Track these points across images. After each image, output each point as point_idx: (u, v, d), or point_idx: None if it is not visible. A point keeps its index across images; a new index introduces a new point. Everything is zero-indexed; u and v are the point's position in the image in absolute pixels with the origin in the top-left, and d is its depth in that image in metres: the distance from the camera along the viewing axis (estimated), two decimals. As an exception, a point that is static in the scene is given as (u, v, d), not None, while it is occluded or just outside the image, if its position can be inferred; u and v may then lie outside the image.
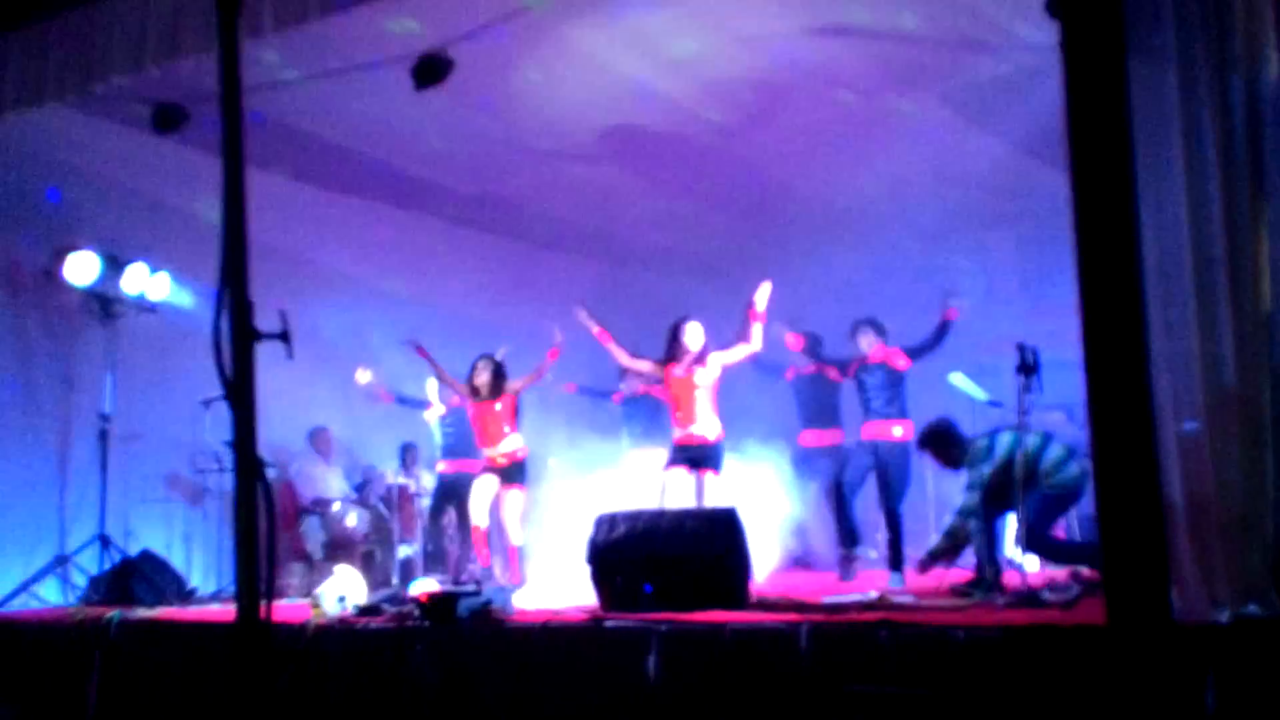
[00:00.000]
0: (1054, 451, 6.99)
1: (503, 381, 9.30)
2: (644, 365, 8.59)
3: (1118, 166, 4.30)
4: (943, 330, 8.42)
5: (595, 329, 8.70)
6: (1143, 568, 3.88)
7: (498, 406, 9.25)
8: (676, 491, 8.10)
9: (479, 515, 9.14)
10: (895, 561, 8.18)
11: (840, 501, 8.66)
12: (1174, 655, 3.90)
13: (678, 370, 8.28)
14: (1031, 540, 6.89)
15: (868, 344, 8.58)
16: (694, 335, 8.30)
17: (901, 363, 8.51)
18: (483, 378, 9.29)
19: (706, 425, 8.21)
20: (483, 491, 9.19)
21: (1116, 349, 4.15)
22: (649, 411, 9.88)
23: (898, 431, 8.42)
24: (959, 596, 6.68)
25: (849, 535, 8.70)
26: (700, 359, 8.26)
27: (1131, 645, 3.78)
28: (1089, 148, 4.25)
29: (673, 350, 8.32)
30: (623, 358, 8.72)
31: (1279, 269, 4.84)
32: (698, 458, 8.17)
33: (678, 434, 8.28)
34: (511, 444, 9.24)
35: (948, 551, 7.18)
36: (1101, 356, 4.12)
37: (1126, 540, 3.93)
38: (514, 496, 9.15)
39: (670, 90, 8.86)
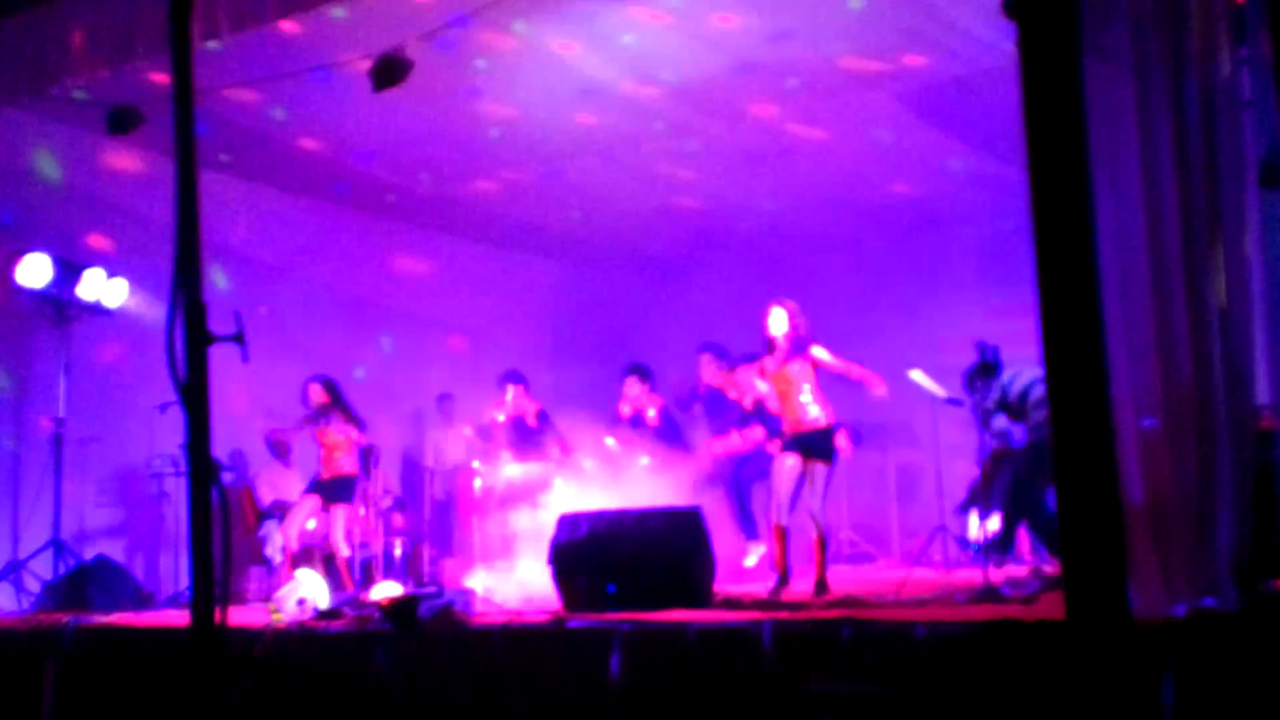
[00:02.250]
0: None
1: (337, 402, 9.39)
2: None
3: (1074, 166, 4.32)
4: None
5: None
6: (1101, 563, 3.90)
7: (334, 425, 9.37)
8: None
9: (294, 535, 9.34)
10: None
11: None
12: (1132, 650, 3.93)
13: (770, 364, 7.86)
14: (1020, 499, 6.84)
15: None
16: (776, 322, 7.82)
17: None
18: (321, 399, 9.38)
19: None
20: (306, 510, 9.42)
21: (1075, 347, 4.18)
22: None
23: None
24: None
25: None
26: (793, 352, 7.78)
27: (1090, 640, 3.81)
28: (1045, 147, 4.27)
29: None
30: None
31: (1234, 267, 4.90)
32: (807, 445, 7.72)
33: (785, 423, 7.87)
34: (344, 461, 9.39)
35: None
36: (1060, 354, 4.15)
37: (1085, 536, 3.96)
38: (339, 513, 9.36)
39: (631, 90, 8.86)
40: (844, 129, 9.61)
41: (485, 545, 9.62)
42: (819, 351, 7.70)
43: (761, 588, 7.60)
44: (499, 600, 7.12)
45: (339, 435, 9.33)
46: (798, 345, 7.70)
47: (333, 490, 9.37)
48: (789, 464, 7.56)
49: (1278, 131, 5.53)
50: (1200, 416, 4.72)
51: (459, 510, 10.80)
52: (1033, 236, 4.24)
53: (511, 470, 9.75)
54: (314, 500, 9.41)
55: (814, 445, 7.58)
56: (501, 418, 9.81)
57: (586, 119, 9.29)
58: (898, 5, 7.72)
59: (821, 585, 7.27)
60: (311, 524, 9.77)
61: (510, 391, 9.87)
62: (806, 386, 7.66)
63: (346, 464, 9.42)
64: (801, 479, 7.56)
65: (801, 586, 7.39)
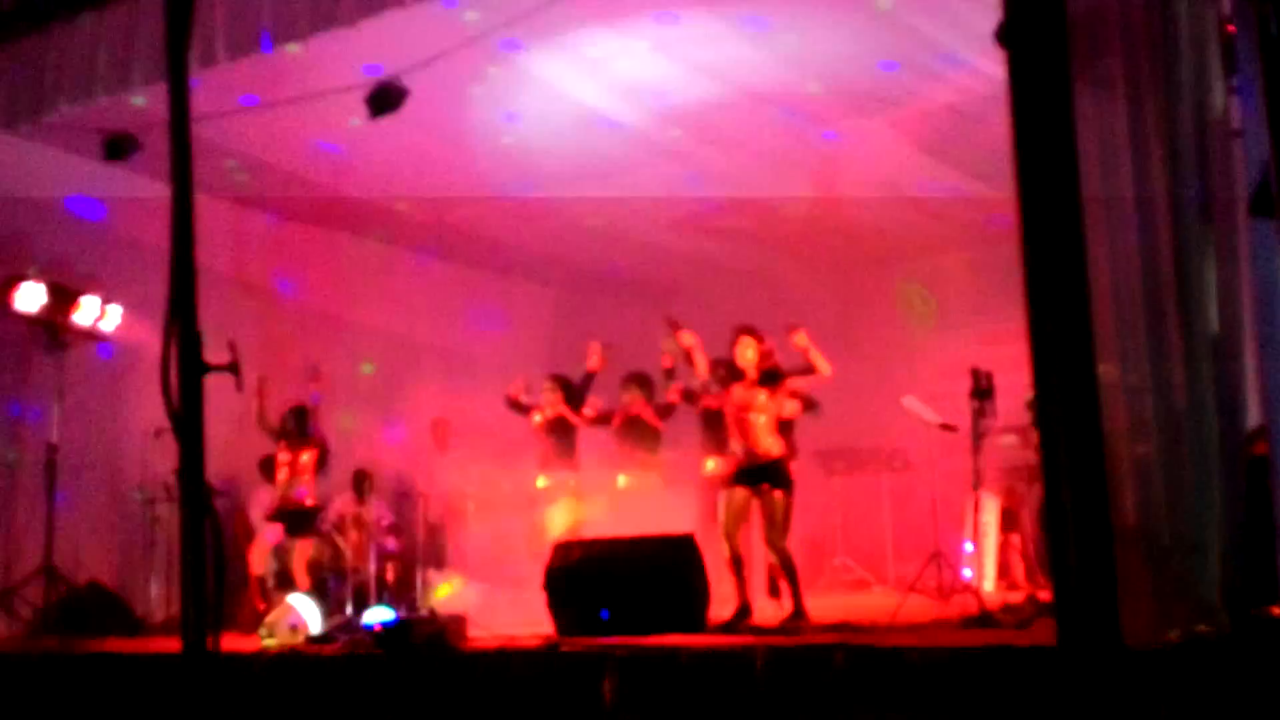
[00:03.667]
0: None
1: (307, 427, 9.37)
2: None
3: (1065, 193, 4.35)
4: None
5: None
6: (1093, 589, 3.91)
7: (304, 457, 9.32)
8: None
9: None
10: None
11: None
12: (1125, 675, 3.93)
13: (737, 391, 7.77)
14: None
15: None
16: (742, 351, 7.75)
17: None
18: (290, 424, 9.35)
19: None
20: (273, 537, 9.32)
21: (1066, 373, 4.20)
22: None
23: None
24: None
25: None
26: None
27: (1082, 666, 3.81)
28: (1036, 175, 4.31)
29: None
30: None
31: (1227, 293, 4.92)
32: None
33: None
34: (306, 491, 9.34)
35: None
36: (1051, 381, 4.17)
37: (1076, 562, 3.97)
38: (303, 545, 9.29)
39: (626, 116, 8.90)
40: (839, 156, 9.65)
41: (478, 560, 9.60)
42: (790, 380, 7.69)
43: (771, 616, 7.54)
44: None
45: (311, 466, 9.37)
46: (767, 376, 7.64)
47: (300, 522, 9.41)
48: (738, 496, 7.48)
49: (1268, 159, 5.55)
50: (1193, 442, 4.73)
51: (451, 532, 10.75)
52: (1023, 261, 4.26)
53: (542, 481, 9.62)
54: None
55: (768, 475, 7.48)
56: (539, 419, 9.65)
57: (584, 144, 9.32)
58: (894, 33, 7.76)
59: (798, 612, 7.12)
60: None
61: (552, 391, 9.68)
62: (764, 418, 7.57)
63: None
64: (753, 511, 7.51)
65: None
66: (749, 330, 7.72)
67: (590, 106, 8.72)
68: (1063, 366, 4.19)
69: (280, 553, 9.29)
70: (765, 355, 7.68)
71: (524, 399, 9.61)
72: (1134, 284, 4.89)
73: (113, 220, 9.61)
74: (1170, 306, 4.84)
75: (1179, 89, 4.94)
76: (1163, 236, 4.88)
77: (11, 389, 9.64)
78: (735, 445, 7.63)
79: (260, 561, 9.27)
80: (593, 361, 9.51)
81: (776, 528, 7.38)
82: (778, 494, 7.43)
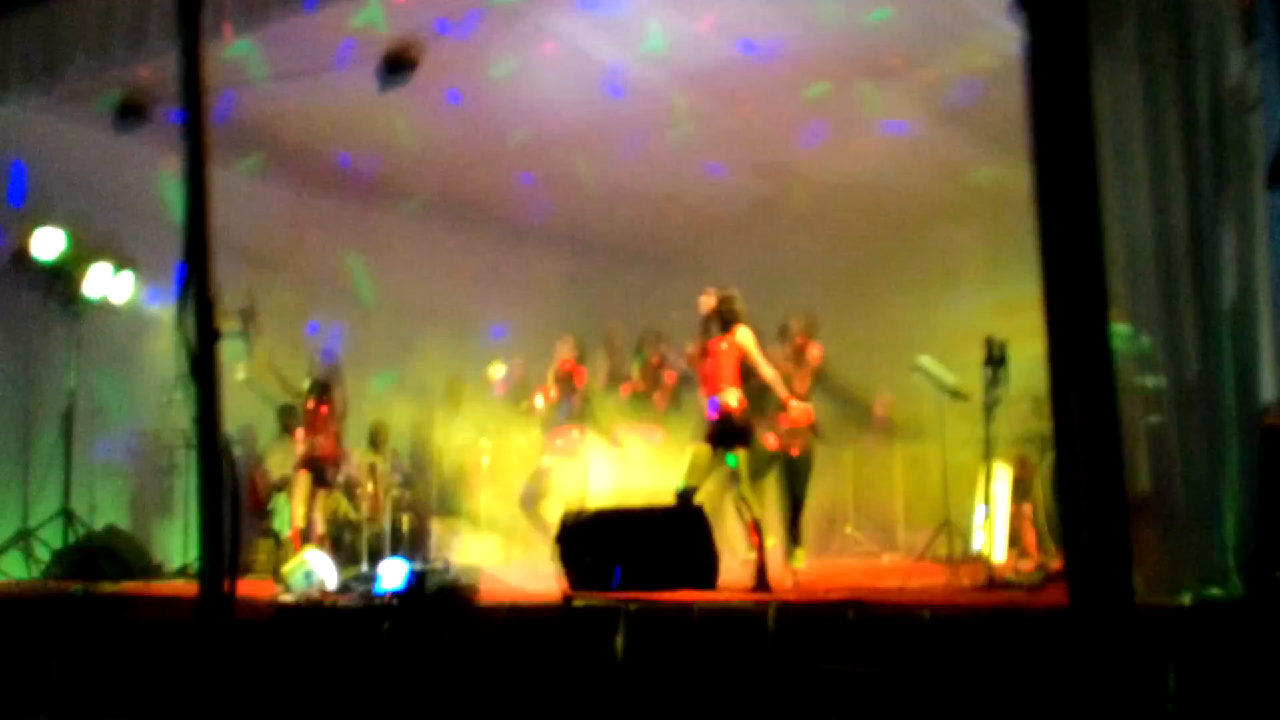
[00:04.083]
0: None
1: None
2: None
3: (1081, 160, 4.36)
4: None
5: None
6: (1106, 553, 3.95)
7: (329, 408, 9.41)
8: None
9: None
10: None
11: None
12: (1136, 637, 3.97)
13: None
14: None
15: None
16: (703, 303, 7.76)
17: None
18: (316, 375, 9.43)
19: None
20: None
21: (1080, 340, 4.22)
22: None
23: None
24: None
25: None
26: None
27: (1094, 628, 3.85)
28: (1052, 141, 4.31)
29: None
30: None
31: (1242, 263, 4.93)
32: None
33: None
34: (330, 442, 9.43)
35: None
36: (1065, 349, 4.19)
37: (1089, 526, 4.00)
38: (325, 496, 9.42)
39: (642, 79, 8.88)
40: (853, 121, 9.62)
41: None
42: (744, 335, 7.59)
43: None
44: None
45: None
46: (724, 325, 7.59)
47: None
48: (702, 451, 7.45)
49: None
50: (1207, 410, 4.76)
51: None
52: (1038, 229, 4.28)
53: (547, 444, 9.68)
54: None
55: (730, 432, 7.44)
56: (554, 395, 9.69)
57: (601, 108, 9.31)
58: (913, 2, 7.75)
59: (761, 580, 6.98)
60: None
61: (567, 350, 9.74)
62: (728, 370, 7.52)
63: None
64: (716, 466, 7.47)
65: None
66: (713, 288, 7.74)
67: (607, 67, 8.70)
68: (1077, 334, 4.21)
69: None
70: (723, 301, 7.65)
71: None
72: (1149, 253, 4.91)
73: (131, 185, 9.61)
74: (1185, 276, 4.86)
75: (1196, 58, 4.94)
76: (1178, 206, 4.90)
77: (30, 335, 9.69)
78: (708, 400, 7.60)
79: (302, 515, 9.29)
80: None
81: (741, 482, 7.37)
82: (738, 450, 7.41)
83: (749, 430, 7.58)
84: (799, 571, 7.83)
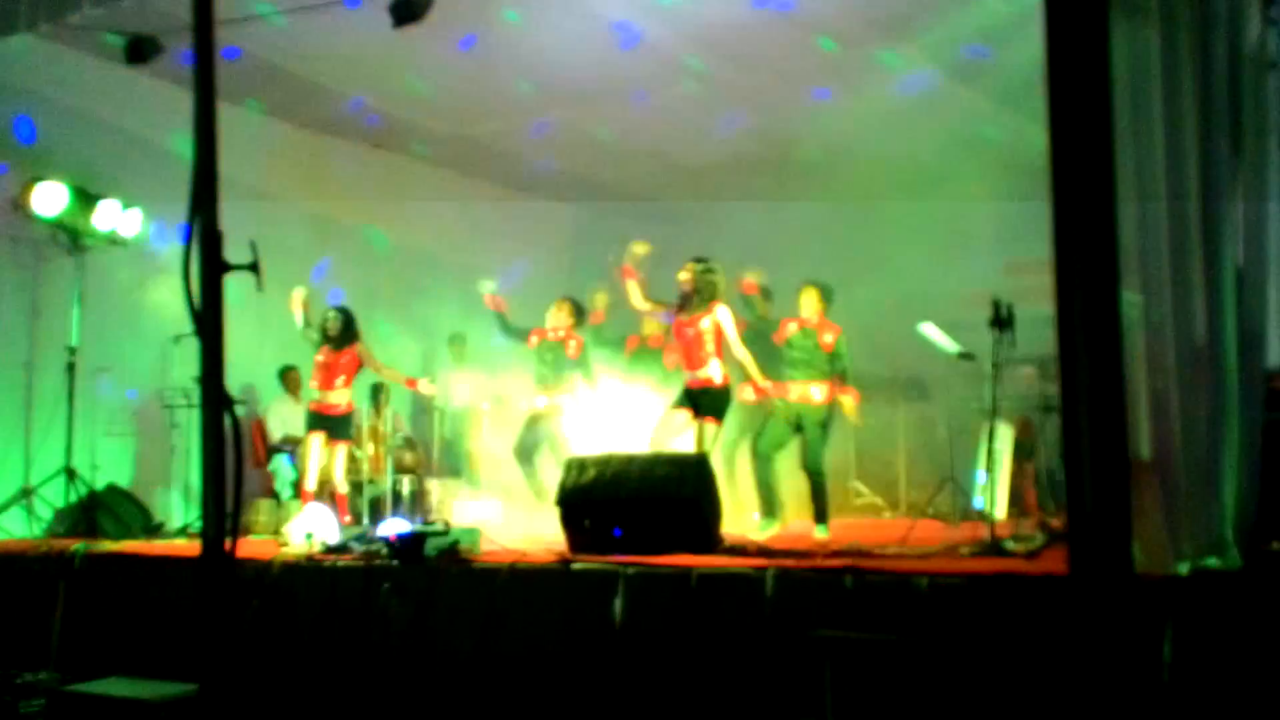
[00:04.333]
0: None
1: (352, 332, 9.37)
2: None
3: (1097, 122, 4.24)
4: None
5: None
6: (1106, 520, 3.90)
7: (345, 359, 9.34)
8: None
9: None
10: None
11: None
12: (1134, 606, 3.94)
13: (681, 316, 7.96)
14: None
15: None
16: (683, 276, 7.95)
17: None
18: (335, 326, 9.32)
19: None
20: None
21: (1087, 300, 4.15)
22: None
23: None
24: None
25: None
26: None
27: (1092, 595, 3.81)
28: (1068, 103, 4.20)
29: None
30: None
31: (1253, 228, 4.86)
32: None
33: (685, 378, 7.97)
34: (342, 396, 9.37)
35: None
36: (1072, 307, 4.13)
37: (1090, 493, 3.96)
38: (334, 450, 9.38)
39: (651, 33, 8.78)
40: (863, 80, 9.52)
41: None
42: (722, 314, 7.81)
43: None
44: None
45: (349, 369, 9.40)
46: (703, 300, 7.82)
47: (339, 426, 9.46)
48: (677, 417, 7.71)
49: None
50: (1212, 374, 4.70)
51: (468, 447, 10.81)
52: (1051, 187, 4.20)
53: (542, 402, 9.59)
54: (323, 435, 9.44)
55: (707, 402, 7.68)
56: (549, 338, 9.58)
57: (612, 61, 9.22)
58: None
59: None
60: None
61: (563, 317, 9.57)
62: (708, 342, 7.77)
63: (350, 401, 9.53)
64: (687, 432, 7.69)
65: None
66: (696, 260, 7.94)
67: (617, 21, 8.60)
68: (1086, 295, 4.15)
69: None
70: (701, 275, 7.82)
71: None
72: (1159, 216, 4.83)
73: (136, 123, 9.54)
74: (1195, 239, 4.79)
75: (1214, 19, 4.85)
76: (1191, 168, 4.81)
77: (32, 290, 9.65)
78: (685, 371, 7.91)
79: (313, 474, 9.28)
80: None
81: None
82: (709, 422, 7.69)
83: (726, 404, 7.82)
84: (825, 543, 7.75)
